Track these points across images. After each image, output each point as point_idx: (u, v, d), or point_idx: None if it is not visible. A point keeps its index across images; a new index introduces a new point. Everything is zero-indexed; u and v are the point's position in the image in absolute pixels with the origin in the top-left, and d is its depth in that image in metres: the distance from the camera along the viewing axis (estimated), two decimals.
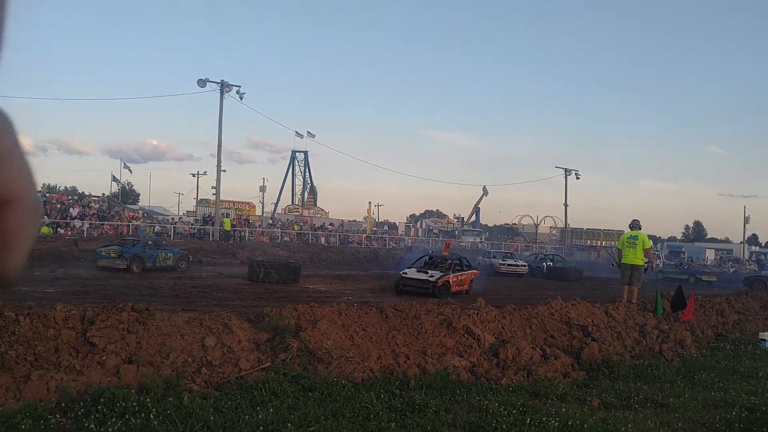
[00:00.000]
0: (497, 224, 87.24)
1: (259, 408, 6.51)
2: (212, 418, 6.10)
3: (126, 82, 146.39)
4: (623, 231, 17.89)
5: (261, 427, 5.90)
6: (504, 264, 33.82)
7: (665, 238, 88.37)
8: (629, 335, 12.40)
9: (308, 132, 56.36)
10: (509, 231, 78.51)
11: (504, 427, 6.51)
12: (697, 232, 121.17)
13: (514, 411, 7.17)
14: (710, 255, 72.39)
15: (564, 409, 7.43)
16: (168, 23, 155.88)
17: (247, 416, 6.23)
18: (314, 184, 68.07)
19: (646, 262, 16.11)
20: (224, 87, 37.51)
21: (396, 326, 9.93)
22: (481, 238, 63.45)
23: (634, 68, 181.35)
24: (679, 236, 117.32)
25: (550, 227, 77.13)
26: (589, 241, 72.56)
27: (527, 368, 9.41)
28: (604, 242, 71.21)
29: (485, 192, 74.59)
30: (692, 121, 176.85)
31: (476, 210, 77.53)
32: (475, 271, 23.15)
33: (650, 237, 15.97)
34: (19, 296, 14.92)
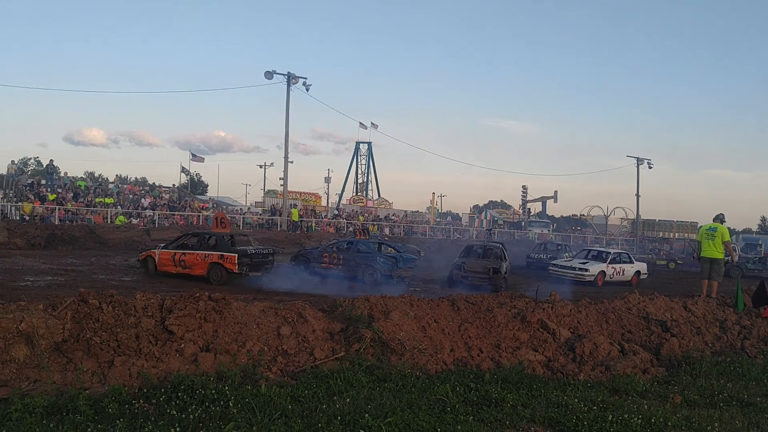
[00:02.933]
0: (564, 215, 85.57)
1: (335, 397, 6.51)
2: (290, 406, 6.11)
3: (195, 76, 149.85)
4: (696, 222, 17.30)
5: (339, 417, 5.88)
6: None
7: (740, 230, 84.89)
8: (709, 331, 11.92)
9: (372, 123, 56.41)
10: (577, 222, 76.93)
11: (585, 423, 6.31)
12: None
13: (594, 407, 6.94)
14: None
15: (646, 407, 7.15)
16: (237, 16, 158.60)
17: (324, 405, 6.23)
18: (360, 179, 68.21)
19: (726, 256, 15.45)
20: (291, 79, 37.87)
21: (468, 319, 9.81)
22: (548, 229, 62.31)
23: (705, 56, 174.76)
24: (755, 228, 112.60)
25: (621, 218, 75.20)
26: (661, 233, 70.37)
27: (605, 364, 9.14)
28: (677, 234, 68.98)
29: (555, 198, 73.58)
30: (763, 108, 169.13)
31: (543, 200, 76.28)
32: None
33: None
34: (99, 284, 15.49)
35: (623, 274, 24.69)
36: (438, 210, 73.93)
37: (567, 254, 30.18)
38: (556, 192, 74.17)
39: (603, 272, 23.82)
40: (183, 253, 18.73)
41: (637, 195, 60.08)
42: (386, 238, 35.51)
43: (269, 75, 36.83)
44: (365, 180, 68.01)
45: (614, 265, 24.47)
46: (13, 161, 46.57)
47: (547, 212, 77.77)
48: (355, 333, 8.51)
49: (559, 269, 24.56)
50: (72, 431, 5.24)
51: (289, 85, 37.85)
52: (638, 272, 25.44)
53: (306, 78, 38.37)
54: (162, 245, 20.00)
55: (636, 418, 6.50)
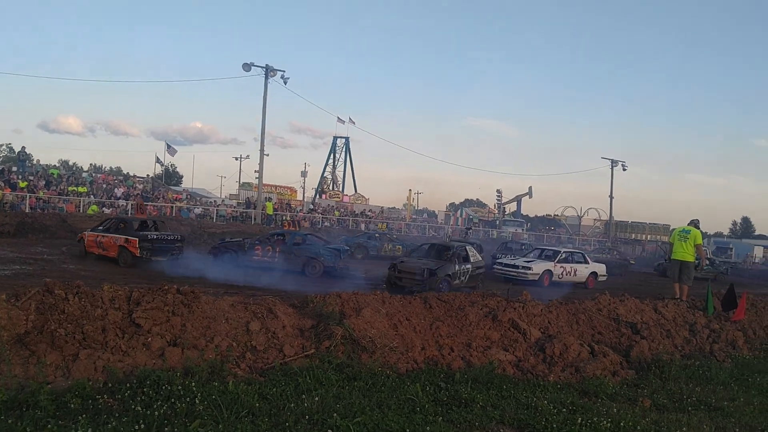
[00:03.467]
0: (539, 215, 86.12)
1: (304, 396, 6.43)
2: (257, 404, 6.03)
3: (172, 66, 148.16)
4: (669, 225, 17.57)
5: (307, 416, 5.82)
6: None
7: (712, 233, 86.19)
8: (679, 334, 12.03)
9: (350, 118, 56.38)
10: (551, 222, 77.46)
11: (554, 426, 6.32)
12: (744, 228, 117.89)
13: (564, 410, 6.96)
14: (759, 252, 70.43)
15: (615, 410, 7.18)
16: (215, 7, 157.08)
17: (292, 404, 6.15)
18: (335, 174, 67.98)
19: (697, 259, 15.61)
20: (269, 71, 37.60)
21: (440, 317, 9.78)
22: (522, 229, 62.69)
23: (682, 59, 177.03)
24: (726, 232, 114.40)
25: (594, 219, 75.89)
26: (634, 235, 71.09)
27: (575, 365, 9.17)
28: (649, 236, 69.77)
29: (530, 193, 73.73)
30: (739, 115, 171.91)
31: (518, 200, 76.66)
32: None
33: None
34: (68, 274, 15.20)
35: (575, 274, 23.36)
36: (414, 207, 73.99)
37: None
38: (530, 188, 74.26)
39: (549, 272, 22.47)
40: (102, 236, 19.69)
41: (611, 196, 60.76)
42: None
43: (247, 67, 36.53)
44: (342, 175, 67.86)
45: (564, 265, 23.14)
46: None
47: (521, 212, 78.25)
48: (326, 330, 8.42)
49: (503, 268, 23.06)
50: (31, 427, 5.11)
51: (266, 78, 37.56)
52: (594, 273, 24.09)
53: (284, 71, 38.15)
54: (90, 229, 21.25)
55: (605, 422, 6.53)
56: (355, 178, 68.93)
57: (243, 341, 7.93)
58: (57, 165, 54.65)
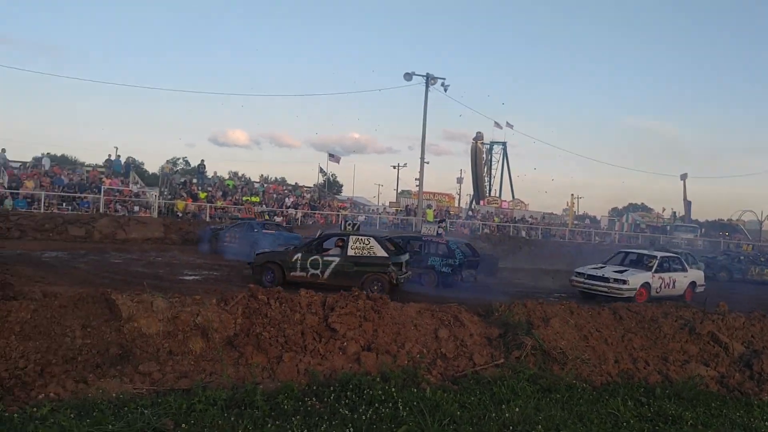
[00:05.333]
0: (709, 219, 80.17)
1: (503, 406, 6.32)
2: (458, 412, 6.01)
3: (331, 79, 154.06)
4: None
5: (510, 427, 5.73)
6: None
7: None
8: None
9: (507, 122, 55.37)
10: (726, 227, 71.84)
11: None
12: None
13: None
14: None
15: None
16: (373, 19, 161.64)
17: (493, 414, 6.06)
18: (492, 178, 66.85)
19: None
20: (429, 80, 37.91)
21: (631, 329, 9.29)
22: (696, 234, 58.63)
23: None
24: None
25: None
26: None
27: None
28: None
29: (683, 178, 68.17)
30: None
31: (687, 203, 71.84)
32: None
33: None
34: (250, 280, 16.05)
35: (673, 286, 18.46)
36: (575, 212, 71.60)
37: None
38: (683, 174, 68.09)
39: (648, 284, 17.46)
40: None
41: None
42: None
43: (408, 76, 36.99)
44: (500, 180, 66.91)
45: (662, 275, 18.18)
46: (167, 161, 49.82)
47: (691, 216, 73.19)
48: (515, 339, 8.27)
49: (585, 281, 17.63)
50: (251, 426, 5.39)
51: (427, 87, 37.82)
52: (693, 283, 19.12)
53: (444, 79, 38.24)
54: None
55: None
56: (513, 184, 67.90)
57: (432, 348, 7.97)
58: (230, 176, 58.21)
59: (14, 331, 6.40)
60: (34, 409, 5.38)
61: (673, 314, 9.90)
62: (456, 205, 62.05)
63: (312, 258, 14.62)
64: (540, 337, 8.19)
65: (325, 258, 14.67)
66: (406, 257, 15.60)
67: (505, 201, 59.61)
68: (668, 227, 61.98)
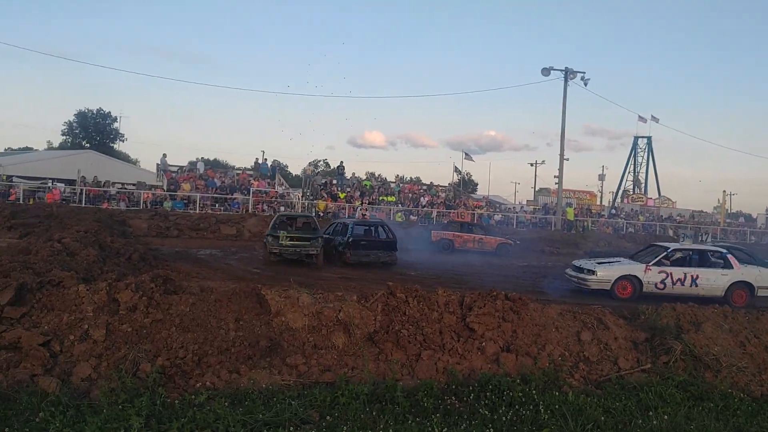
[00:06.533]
0: None
1: (651, 413, 6.05)
2: (602, 418, 5.82)
3: (465, 77, 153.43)
4: None
5: None
6: None
7: None
8: None
9: (652, 116, 52.64)
10: None
11: None
12: None
13: None
14: None
15: None
16: (508, 15, 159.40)
17: (639, 420, 5.83)
18: (637, 176, 63.42)
19: None
20: (568, 74, 36.90)
21: None
22: None
23: None
24: None
25: None
26: None
27: None
28: None
29: None
30: None
31: None
32: None
33: None
34: (387, 277, 16.37)
35: (695, 284, 15.72)
36: (727, 210, 66.95)
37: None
38: None
39: (635, 278, 15.56)
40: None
41: None
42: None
43: (546, 71, 36.18)
44: (645, 177, 63.72)
45: (669, 269, 15.91)
46: (309, 163, 51.74)
47: None
48: (663, 344, 7.88)
49: (571, 272, 16.50)
50: (392, 421, 5.51)
51: (566, 81, 36.82)
52: (745, 284, 15.78)
53: (584, 72, 37.08)
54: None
55: None
56: (659, 180, 64.51)
57: (575, 351, 7.76)
58: (368, 177, 59.59)
59: (175, 323, 6.92)
60: (193, 397, 5.78)
61: None
62: (597, 203, 59.87)
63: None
64: (690, 341, 7.76)
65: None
66: (282, 233, 18.09)
67: (651, 198, 56.75)
68: None
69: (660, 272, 15.57)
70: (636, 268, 15.74)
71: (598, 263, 16.27)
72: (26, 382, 5.82)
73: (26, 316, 6.75)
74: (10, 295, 6.77)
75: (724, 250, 16.18)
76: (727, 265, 15.63)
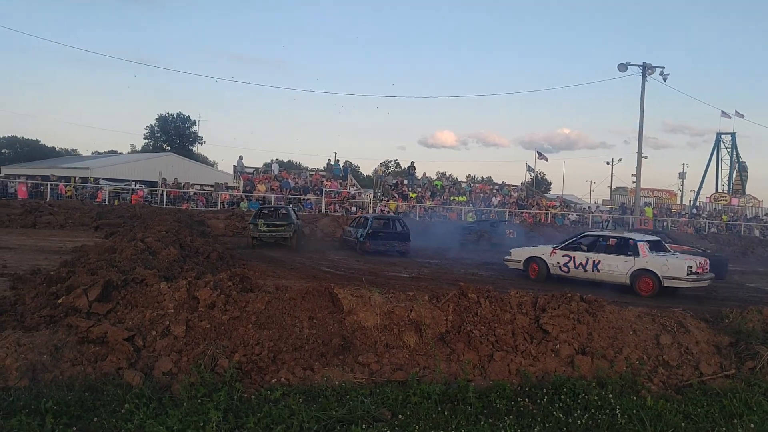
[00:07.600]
0: None
1: (736, 421, 5.81)
2: (683, 424, 5.62)
3: (538, 75, 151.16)
4: None
5: None
6: None
7: None
8: None
9: (736, 111, 50.49)
10: None
11: None
12: None
13: None
14: None
15: None
16: (582, 11, 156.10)
17: (723, 428, 5.60)
18: (743, 167, 60.72)
19: None
20: (646, 69, 35.80)
21: None
22: None
23: None
24: None
25: None
26: None
27: None
28: None
29: None
30: None
31: None
32: None
33: None
34: (459, 278, 16.30)
35: (596, 269, 15.78)
36: None
37: None
38: None
39: (540, 260, 16.63)
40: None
41: None
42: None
43: (623, 67, 35.20)
44: (728, 175, 61.19)
45: (574, 254, 16.36)
46: (380, 164, 52.06)
47: None
48: (748, 349, 7.55)
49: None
50: (464, 422, 5.47)
51: (644, 77, 35.72)
52: (650, 273, 15.02)
53: (663, 68, 35.92)
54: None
55: None
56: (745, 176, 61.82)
57: (653, 355, 7.53)
58: (438, 177, 59.51)
59: (251, 321, 7.09)
60: (268, 393, 5.92)
61: None
62: (678, 202, 57.93)
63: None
64: None
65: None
66: (260, 221, 22.60)
67: (735, 197, 54.47)
68: None
69: (564, 256, 16.43)
70: (542, 251, 16.97)
71: (517, 248, 18.35)
72: (112, 374, 6.09)
73: (112, 312, 7.07)
74: (97, 292, 7.11)
75: (637, 238, 16.07)
76: (635, 253, 15.38)
